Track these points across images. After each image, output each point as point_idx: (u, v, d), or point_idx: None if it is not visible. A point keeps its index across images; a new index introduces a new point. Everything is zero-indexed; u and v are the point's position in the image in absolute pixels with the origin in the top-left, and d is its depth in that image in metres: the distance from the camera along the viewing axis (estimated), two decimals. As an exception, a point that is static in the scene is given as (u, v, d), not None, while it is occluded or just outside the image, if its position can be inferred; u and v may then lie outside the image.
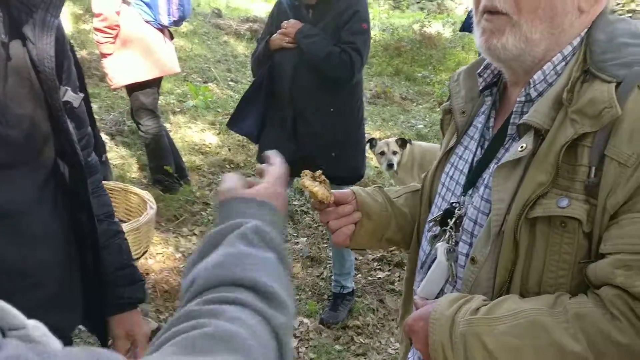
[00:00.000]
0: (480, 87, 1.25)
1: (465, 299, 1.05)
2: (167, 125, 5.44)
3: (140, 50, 4.01)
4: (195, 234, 4.05)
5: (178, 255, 3.77)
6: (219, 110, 6.02)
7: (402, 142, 4.16)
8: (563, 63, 1.07)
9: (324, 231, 4.13)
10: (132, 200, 2.55)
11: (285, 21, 3.04)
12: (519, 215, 1.02)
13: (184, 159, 4.69)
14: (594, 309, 0.92)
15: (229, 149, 5.30)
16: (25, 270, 1.22)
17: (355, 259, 3.64)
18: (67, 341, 1.37)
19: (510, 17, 1.06)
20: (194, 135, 5.47)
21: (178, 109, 5.94)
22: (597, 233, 0.96)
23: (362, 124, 3.27)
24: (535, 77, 1.09)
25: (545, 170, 1.01)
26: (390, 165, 4.06)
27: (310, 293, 3.61)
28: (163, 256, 3.72)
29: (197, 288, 0.74)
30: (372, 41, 9.03)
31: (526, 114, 1.07)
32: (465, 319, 1.00)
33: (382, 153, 4.10)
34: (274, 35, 3.07)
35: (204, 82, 6.80)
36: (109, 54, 3.98)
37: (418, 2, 14.81)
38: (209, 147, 5.30)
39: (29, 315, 1.22)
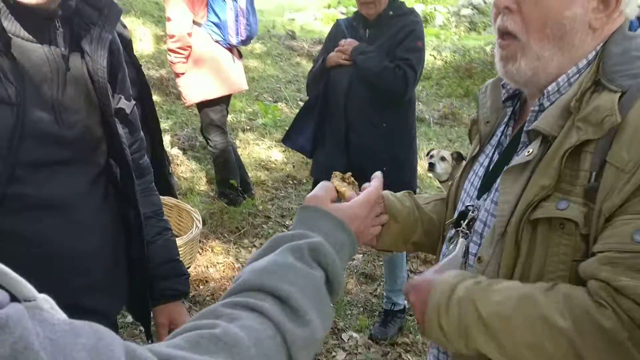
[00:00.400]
0: (503, 98, 1.30)
1: (472, 275, 1.11)
2: (237, 142, 5.67)
3: (210, 69, 4.24)
4: (255, 246, 4.20)
5: (237, 265, 3.91)
6: (287, 128, 6.20)
7: (458, 156, 4.16)
8: (577, 75, 1.11)
9: (381, 248, 4.17)
10: (183, 216, 2.70)
11: (343, 40, 3.17)
12: (521, 216, 1.07)
13: (249, 174, 4.88)
14: (584, 294, 0.95)
15: (293, 166, 5.45)
16: (76, 256, 1.35)
17: (408, 276, 3.66)
18: (110, 324, 1.50)
19: (520, 41, 1.11)
20: (261, 152, 5.66)
21: (248, 127, 6.17)
22: (593, 235, 0.99)
23: (414, 141, 3.32)
24: (549, 88, 1.13)
25: (549, 175, 1.05)
26: (431, 165, 4.07)
27: (362, 309, 3.65)
28: (223, 265, 3.88)
29: (236, 287, 0.79)
30: (442, 63, 9.01)
31: (537, 121, 1.12)
32: (465, 286, 1.05)
33: (431, 156, 4.14)
34: (331, 53, 3.20)
35: (274, 102, 7.03)
36: (182, 73, 4.23)
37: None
38: (274, 164, 5.48)
39: (75, 293, 1.36)
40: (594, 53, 1.11)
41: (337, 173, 1.33)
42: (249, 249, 4.15)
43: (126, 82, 1.55)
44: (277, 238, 0.89)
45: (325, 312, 0.82)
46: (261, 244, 4.19)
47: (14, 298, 0.52)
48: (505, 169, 1.17)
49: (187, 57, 4.17)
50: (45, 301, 0.58)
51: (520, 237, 1.08)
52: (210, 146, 4.48)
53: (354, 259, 4.15)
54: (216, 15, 4.14)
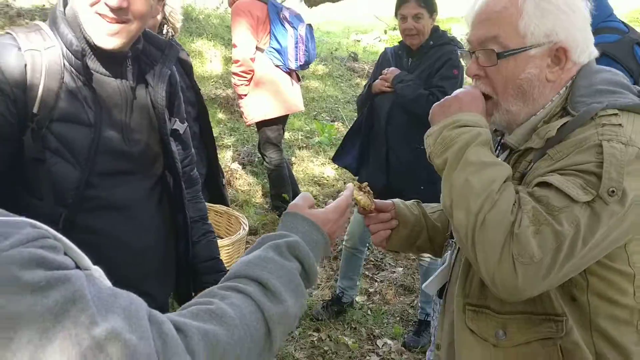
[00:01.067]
0: (492, 129, 1.54)
1: (484, 130, 1.33)
2: (292, 159, 6.01)
3: (270, 92, 4.61)
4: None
5: (285, 272, 4.21)
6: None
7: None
8: (550, 103, 1.36)
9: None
10: (232, 221, 3.03)
11: (386, 69, 3.47)
12: None
13: (302, 189, 5.19)
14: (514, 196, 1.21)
15: (344, 182, 5.74)
16: (135, 248, 1.67)
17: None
18: (159, 306, 1.82)
19: (492, 99, 1.39)
20: (315, 168, 5.98)
21: (304, 145, 6.52)
22: None
23: None
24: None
25: None
26: None
27: (398, 318, 3.87)
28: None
29: (228, 275, 1.02)
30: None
31: (507, 136, 1.42)
32: (478, 132, 1.29)
33: None
34: (376, 80, 3.51)
35: (332, 121, 7.35)
36: (244, 95, 4.62)
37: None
38: (327, 180, 5.78)
39: (135, 279, 1.68)
40: (564, 89, 1.35)
41: (355, 183, 1.57)
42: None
43: (181, 108, 1.88)
44: (263, 238, 1.14)
45: (298, 295, 1.02)
46: (309, 254, 4.48)
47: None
48: None
49: (249, 80, 4.55)
50: (97, 271, 0.80)
51: None
52: (266, 162, 4.84)
53: (394, 271, 4.38)
54: (278, 42, 4.52)
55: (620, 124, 1.20)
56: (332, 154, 6.28)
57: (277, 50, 4.56)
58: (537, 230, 1.13)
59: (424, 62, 3.42)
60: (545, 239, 1.12)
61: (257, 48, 4.55)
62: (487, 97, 1.40)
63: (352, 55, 10.22)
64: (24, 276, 0.64)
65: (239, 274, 1.01)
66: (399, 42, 3.65)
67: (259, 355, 0.93)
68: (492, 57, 1.33)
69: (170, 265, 1.85)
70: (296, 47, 4.61)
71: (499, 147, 1.48)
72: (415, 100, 3.27)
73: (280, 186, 4.86)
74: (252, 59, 4.52)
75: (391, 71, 3.44)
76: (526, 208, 1.16)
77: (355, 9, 14.04)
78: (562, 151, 1.22)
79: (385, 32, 12.31)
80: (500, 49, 1.32)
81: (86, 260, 0.79)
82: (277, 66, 4.61)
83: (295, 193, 4.96)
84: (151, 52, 1.71)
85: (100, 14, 1.43)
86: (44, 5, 9.25)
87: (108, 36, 1.46)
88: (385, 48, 3.81)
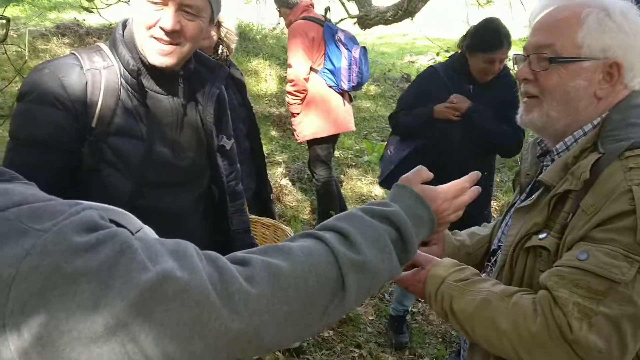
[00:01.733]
0: (538, 154, 1.55)
1: (459, 267, 1.40)
2: (341, 177, 6.09)
3: (322, 111, 4.71)
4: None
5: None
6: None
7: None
8: (583, 135, 1.37)
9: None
10: (278, 234, 3.12)
11: (454, 96, 3.30)
12: (516, 245, 1.38)
13: (350, 207, 5.26)
14: (528, 302, 1.22)
15: (392, 202, 5.77)
16: None
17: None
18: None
19: (538, 98, 1.40)
20: (363, 187, 6.04)
21: (353, 163, 6.59)
22: None
23: None
24: (557, 146, 1.41)
25: (542, 214, 1.34)
26: None
27: (440, 339, 3.86)
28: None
29: (319, 227, 1.01)
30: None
31: (542, 173, 1.41)
32: (449, 283, 1.36)
33: None
34: (440, 106, 3.31)
35: (382, 141, 7.40)
36: (297, 113, 4.73)
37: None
38: (374, 198, 5.82)
39: None
40: (599, 119, 1.35)
41: None
42: (341, 275, 4.49)
43: (229, 125, 1.99)
44: (368, 203, 1.10)
45: (384, 255, 0.98)
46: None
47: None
48: (513, 209, 1.48)
49: (302, 100, 4.66)
50: (149, 229, 0.91)
51: (514, 263, 1.37)
52: (315, 179, 4.94)
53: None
54: (332, 63, 4.62)
55: None
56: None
57: (331, 71, 4.66)
58: (590, 324, 1.13)
59: (492, 92, 3.32)
60: (601, 328, 1.12)
61: (312, 68, 4.66)
62: (533, 96, 1.41)
63: (405, 76, 10.27)
64: (77, 239, 0.72)
65: (324, 226, 1.01)
66: (451, 62, 3.51)
67: (329, 300, 0.90)
68: (545, 62, 1.35)
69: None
70: (349, 69, 4.70)
71: (534, 184, 1.47)
72: (500, 135, 3.27)
73: (328, 203, 4.94)
74: (306, 79, 4.65)
75: (461, 100, 3.29)
76: (567, 309, 1.15)
77: (411, 30, 14.09)
78: (595, 204, 1.21)
79: (438, 54, 12.28)
80: (554, 55, 1.34)
81: (137, 222, 0.89)
82: (330, 86, 4.70)
83: (342, 210, 5.02)
84: (202, 72, 1.82)
85: (155, 37, 1.55)
86: (110, 24, 9.72)
87: (161, 55, 1.57)
88: (432, 66, 3.61)
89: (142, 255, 0.75)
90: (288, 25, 4.81)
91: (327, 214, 4.89)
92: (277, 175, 5.94)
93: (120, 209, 0.88)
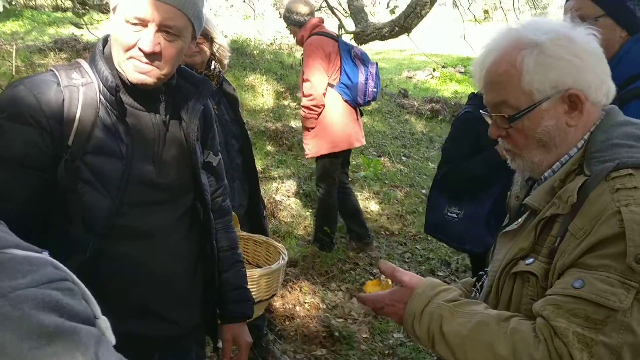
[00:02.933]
0: (526, 177, 1.52)
1: (446, 287, 1.36)
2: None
3: (338, 126, 4.71)
4: (341, 290, 4.49)
5: (323, 306, 4.22)
6: (386, 182, 6.52)
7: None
8: (568, 158, 1.34)
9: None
10: (271, 251, 3.07)
11: None
12: (502, 270, 1.33)
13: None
14: (528, 329, 1.18)
15: (387, 218, 5.73)
16: (164, 275, 1.72)
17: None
18: (186, 334, 1.87)
19: (516, 152, 1.39)
20: (360, 202, 5.99)
21: (349, 179, 6.55)
22: (550, 286, 1.23)
23: None
24: (546, 174, 1.38)
25: (528, 239, 1.30)
26: None
27: (434, 356, 3.81)
28: (309, 305, 4.21)
29: None
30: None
31: (528, 197, 1.38)
32: (438, 302, 1.31)
33: None
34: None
35: (378, 156, 7.38)
36: (312, 128, 4.70)
37: None
38: (370, 214, 5.78)
39: (161, 306, 1.73)
40: (582, 141, 1.33)
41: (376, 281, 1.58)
42: (335, 292, 4.45)
43: (215, 140, 1.95)
44: None
45: None
46: (348, 288, 4.49)
47: None
48: (499, 234, 1.44)
49: (318, 114, 4.64)
50: (105, 322, 0.78)
51: (500, 288, 1.33)
52: (320, 193, 4.89)
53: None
54: (349, 78, 4.64)
55: (635, 187, 1.16)
56: (376, 188, 6.31)
57: (348, 86, 4.67)
58: (590, 354, 1.11)
59: None
60: (602, 358, 1.11)
61: (328, 84, 4.67)
62: (510, 150, 1.41)
63: (402, 91, 10.28)
64: (35, 318, 0.64)
65: None
66: (479, 103, 3.20)
67: None
68: (505, 121, 1.34)
69: (197, 293, 1.89)
70: (366, 84, 4.73)
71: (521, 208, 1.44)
72: None
73: (327, 219, 4.91)
74: (323, 94, 4.64)
75: None
76: (567, 339, 1.13)
77: (409, 46, 14.16)
78: (584, 228, 1.18)
79: (435, 69, 12.33)
80: (512, 111, 1.32)
81: (97, 309, 0.79)
82: (345, 101, 4.72)
83: (363, 224, 5.08)
84: (186, 88, 1.79)
85: (134, 57, 1.52)
86: (108, 40, 9.73)
87: (139, 73, 1.54)
88: (466, 111, 3.13)
89: None
90: (300, 42, 4.79)
91: (323, 230, 4.85)
92: (272, 191, 5.90)
93: (84, 287, 0.78)
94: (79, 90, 1.55)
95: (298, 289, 4.33)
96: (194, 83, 1.81)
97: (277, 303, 4.12)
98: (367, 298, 1.48)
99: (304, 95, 4.64)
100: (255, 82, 8.84)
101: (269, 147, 7.12)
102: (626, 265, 1.10)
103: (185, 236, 1.81)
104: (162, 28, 1.52)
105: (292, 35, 4.94)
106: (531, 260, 1.27)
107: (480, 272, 1.58)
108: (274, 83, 8.95)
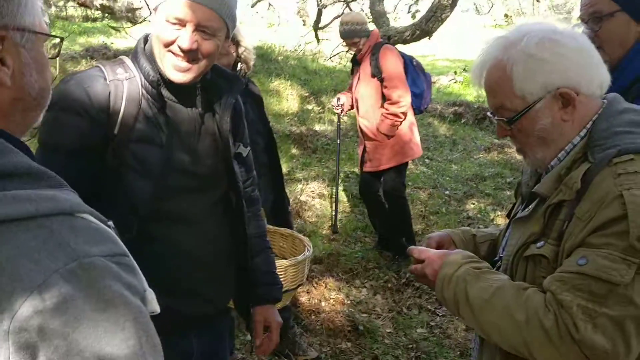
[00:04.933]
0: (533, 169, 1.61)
1: (477, 259, 1.46)
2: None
3: (411, 134, 4.79)
4: (365, 287, 4.59)
5: (347, 301, 4.33)
6: (409, 183, 6.60)
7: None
8: (572, 147, 1.42)
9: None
10: (296, 244, 3.19)
11: None
12: (514, 254, 1.44)
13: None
14: (541, 299, 1.27)
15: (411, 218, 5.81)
16: (200, 255, 1.84)
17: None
18: (219, 310, 1.99)
19: (522, 149, 1.50)
20: (383, 203, 6.10)
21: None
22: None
23: None
24: (552, 163, 1.46)
25: (538, 224, 1.40)
26: None
27: (458, 352, 3.88)
28: (334, 300, 4.31)
29: None
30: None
31: (537, 185, 1.48)
32: (466, 268, 1.41)
33: None
34: None
35: (402, 158, 7.46)
36: (392, 136, 4.66)
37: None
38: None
39: (198, 285, 1.85)
40: (584, 130, 1.41)
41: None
42: (360, 289, 4.55)
43: (245, 133, 2.08)
44: None
45: None
46: (372, 286, 4.58)
47: None
48: (513, 220, 1.55)
49: (401, 122, 4.67)
50: (150, 293, 0.82)
51: (515, 272, 1.43)
52: (398, 201, 4.90)
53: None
54: (417, 86, 4.72)
55: (636, 171, 1.24)
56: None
57: (416, 94, 4.72)
58: (594, 324, 1.18)
59: None
60: (605, 328, 1.18)
61: None
62: (518, 147, 1.52)
63: (426, 95, 10.33)
64: (101, 284, 0.71)
65: None
66: None
67: None
68: (506, 124, 1.45)
69: (230, 275, 2.01)
70: (429, 91, 4.86)
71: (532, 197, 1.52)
72: None
73: (409, 224, 4.97)
74: None
75: None
76: (572, 310, 1.21)
77: (432, 51, 14.20)
78: (589, 211, 1.26)
79: (456, 72, 12.37)
80: (510, 114, 1.42)
81: (144, 281, 0.84)
82: (412, 108, 4.77)
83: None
84: (219, 84, 1.92)
85: (173, 52, 1.66)
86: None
87: (179, 72, 1.67)
88: None
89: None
90: (366, 51, 4.69)
91: (408, 235, 4.88)
92: (297, 192, 6.03)
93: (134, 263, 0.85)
94: (123, 84, 1.69)
95: (323, 285, 4.44)
96: (226, 79, 1.94)
97: (303, 298, 4.23)
98: (417, 248, 1.58)
99: (393, 103, 4.54)
100: (280, 87, 9.00)
101: (293, 150, 7.26)
102: (628, 243, 1.18)
103: (219, 221, 1.93)
104: (199, 28, 1.64)
105: (347, 48, 4.84)
106: (541, 243, 1.36)
107: (496, 258, 1.66)
108: (298, 88, 9.10)
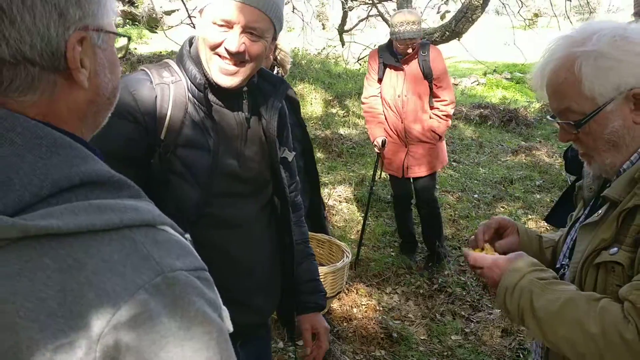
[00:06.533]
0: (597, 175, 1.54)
1: (542, 267, 1.38)
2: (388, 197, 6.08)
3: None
4: (397, 293, 4.51)
5: (379, 308, 4.26)
6: (437, 187, 6.51)
7: None
8: None
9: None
10: (334, 250, 3.14)
11: None
12: (584, 261, 1.36)
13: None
14: (618, 310, 1.20)
15: (440, 222, 5.74)
16: (248, 262, 1.80)
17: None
18: (265, 323, 1.94)
19: (589, 155, 1.42)
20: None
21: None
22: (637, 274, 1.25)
23: None
24: (624, 166, 1.38)
25: (610, 230, 1.32)
26: None
27: (494, 358, 3.79)
28: (366, 307, 4.25)
29: None
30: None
31: (607, 189, 1.40)
32: (530, 278, 1.34)
33: None
34: None
35: (428, 162, 7.38)
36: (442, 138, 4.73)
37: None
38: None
39: (245, 293, 1.81)
40: None
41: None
42: (391, 295, 4.47)
43: (289, 138, 2.03)
44: None
45: None
46: (403, 291, 4.51)
47: None
48: (580, 225, 1.47)
49: None
50: (224, 310, 0.80)
51: (584, 280, 1.36)
52: (437, 207, 4.95)
53: (491, 312, 4.30)
54: None
55: None
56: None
57: None
58: None
59: None
60: None
61: None
62: (584, 153, 1.44)
63: (450, 97, 10.24)
64: (186, 300, 0.69)
65: None
66: None
67: None
68: (573, 128, 1.37)
69: (277, 282, 1.96)
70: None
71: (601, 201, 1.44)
72: None
73: (440, 226, 4.95)
74: None
75: None
76: None
77: (455, 53, 14.12)
78: None
79: (485, 74, 12.25)
80: (577, 117, 1.35)
81: (220, 299, 0.81)
82: None
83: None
84: (265, 87, 1.87)
85: (220, 55, 1.61)
86: (160, 52, 10.05)
87: (226, 76, 1.63)
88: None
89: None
90: (415, 50, 4.50)
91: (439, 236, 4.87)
92: (325, 196, 5.97)
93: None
94: (169, 88, 1.65)
95: (355, 291, 4.38)
96: (272, 82, 1.89)
97: (335, 304, 4.17)
98: (473, 254, 1.51)
99: (448, 103, 4.54)
100: (304, 91, 8.97)
101: (319, 154, 7.21)
102: None
103: (266, 227, 1.89)
104: (246, 29, 1.59)
105: (400, 48, 4.48)
106: (615, 249, 1.29)
107: (558, 265, 1.59)
108: (322, 92, 9.06)
